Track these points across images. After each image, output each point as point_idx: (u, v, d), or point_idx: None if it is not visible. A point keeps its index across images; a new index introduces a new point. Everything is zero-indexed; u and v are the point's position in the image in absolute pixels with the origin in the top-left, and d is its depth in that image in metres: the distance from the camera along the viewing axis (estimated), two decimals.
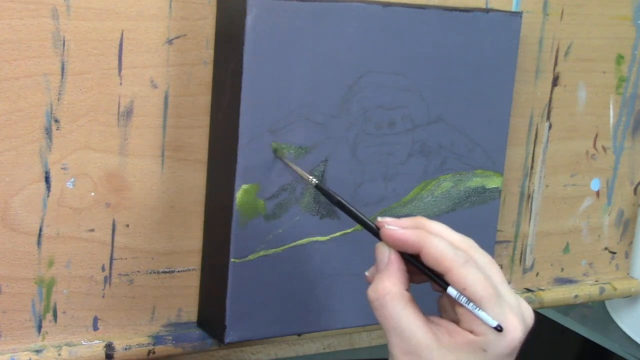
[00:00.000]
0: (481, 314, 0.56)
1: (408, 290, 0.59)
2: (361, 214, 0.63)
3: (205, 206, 0.72)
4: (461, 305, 0.57)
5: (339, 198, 0.65)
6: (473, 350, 0.57)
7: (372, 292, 0.59)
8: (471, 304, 0.57)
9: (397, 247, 0.59)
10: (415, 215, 0.77)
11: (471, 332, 0.57)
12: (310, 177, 0.68)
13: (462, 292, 0.57)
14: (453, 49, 0.76)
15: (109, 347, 0.70)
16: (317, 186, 0.67)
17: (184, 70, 0.70)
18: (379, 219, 0.61)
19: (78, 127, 0.67)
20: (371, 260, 0.76)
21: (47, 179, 0.66)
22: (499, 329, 0.56)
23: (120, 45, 0.67)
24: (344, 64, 0.71)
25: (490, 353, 0.57)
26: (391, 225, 0.60)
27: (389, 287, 0.58)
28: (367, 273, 0.62)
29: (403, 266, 0.59)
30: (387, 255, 0.60)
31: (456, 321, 0.58)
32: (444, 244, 0.58)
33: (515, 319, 0.57)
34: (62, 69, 0.65)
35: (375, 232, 0.61)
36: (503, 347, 0.57)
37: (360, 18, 0.71)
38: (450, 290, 0.57)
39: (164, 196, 0.71)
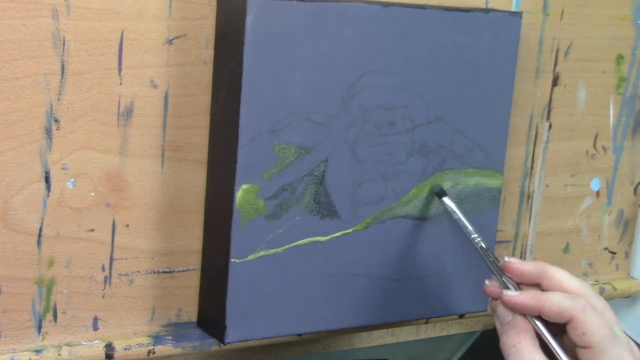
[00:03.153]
0: None
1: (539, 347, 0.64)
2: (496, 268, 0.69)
3: (205, 206, 0.72)
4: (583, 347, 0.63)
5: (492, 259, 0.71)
6: None
7: (506, 338, 0.64)
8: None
9: (517, 311, 0.65)
10: (416, 215, 0.77)
11: None
12: (475, 236, 0.73)
13: (581, 337, 0.62)
14: (453, 49, 0.76)
15: (109, 347, 0.70)
16: (481, 248, 0.72)
17: (184, 70, 0.70)
18: (506, 259, 0.68)
19: (78, 127, 0.67)
20: (371, 260, 0.76)
21: (47, 179, 0.67)
22: None
23: (120, 45, 0.67)
24: (344, 64, 0.71)
25: None
26: (510, 293, 0.65)
27: (523, 334, 0.64)
28: (487, 282, 0.68)
29: (526, 320, 0.65)
30: (510, 313, 0.66)
31: None
32: (561, 297, 0.64)
33: (629, 356, 0.62)
34: (62, 69, 0.65)
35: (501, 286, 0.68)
36: None
37: (360, 18, 0.71)
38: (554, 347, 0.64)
39: (164, 196, 0.71)
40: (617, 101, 0.92)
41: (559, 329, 0.65)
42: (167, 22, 0.68)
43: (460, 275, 0.81)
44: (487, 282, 0.68)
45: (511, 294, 0.65)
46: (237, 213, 0.69)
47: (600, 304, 0.65)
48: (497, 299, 0.67)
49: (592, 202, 0.93)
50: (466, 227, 0.74)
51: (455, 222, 0.76)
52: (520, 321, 0.65)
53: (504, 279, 0.68)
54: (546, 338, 0.64)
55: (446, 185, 0.78)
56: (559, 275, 0.66)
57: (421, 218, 0.78)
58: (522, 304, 0.65)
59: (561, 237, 0.92)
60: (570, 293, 0.64)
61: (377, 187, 0.75)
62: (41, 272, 0.68)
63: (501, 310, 0.66)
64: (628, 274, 0.98)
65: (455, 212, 0.76)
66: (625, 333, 0.65)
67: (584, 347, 0.63)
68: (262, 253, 0.71)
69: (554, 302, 0.63)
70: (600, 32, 0.89)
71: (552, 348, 0.64)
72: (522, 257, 0.91)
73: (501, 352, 0.65)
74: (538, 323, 0.65)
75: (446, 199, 0.77)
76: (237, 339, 0.71)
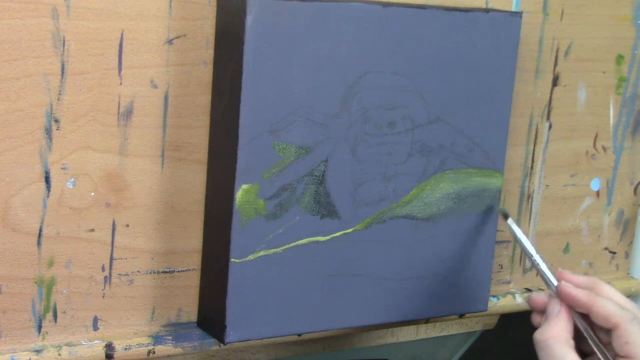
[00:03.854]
0: None
1: (573, 339, 0.67)
2: (547, 270, 0.72)
3: (205, 206, 0.72)
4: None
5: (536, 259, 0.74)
6: None
7: (539, 334, 0.67)
8: None
9: (568, 303, 0.68)
10: (416, 215, 0.77)
11: None
12: (534, 253, 0.75)
13: (623, 346, 0.64)
14: (453, 49, 0.76)
15: (109, 347, 0.70)
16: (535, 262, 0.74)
17: (184, 70, 0.70)
18: (560, 269, 0.71)
19: (78, 127, 0.67)
20: (371, 260, 0.76)
21: (47, 179, 0.66)
22: None
23: (120, 45, 0.67)
24: (344, 64, 0.71)
25: None
26: (568, 283, 0.69)
27: (558, 331, 0.66)
28: (533, 294, 0.72)
29: (571, 318, 0.68)
30: (558, 308, 0.68)
31: None
32: (612, 304, 0.66)
33: None
34: (62, 69, 0.65)
35: (553, 284, 0.70)
36: None
37: (360, 18, 0.71)
38: (598, 349, 0.67)
39: (164, 196, 0.71)
40: (617, 101, 0.92)
41: (600, 340, 0.67)
42: (167, 22, 0.68)
43: (460, 275, 0.81)
44: (534, 294, 0.72)
45: (568, 285, 0.68)
46: (237, 213, 0.69)
47: None
48: (539, 311, 0.71)
49: (592, 202, 0.93)
50: (525, 248, 0.76)
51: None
52: (564, 317, 0.67)
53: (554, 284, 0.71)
54: (589, 336, 0.67)
55: (446, 185, 0.78)
56: (609, 289, 0.69)
57: (421, 218, 0.78)
58: (576, 298, 0.67)
59: (561, 237, 0.92)
60: (620, 305, 0.67)
61: (377, 187, 0.75)
62: (41, 272, 0.68)
63: (551, 305, 0.69)
64: (628, 274, 0.98)
65: (516, 233, 0.78)
66: None
67: (624, 357, 0.65)
68: (262, 253, 0.71)
69: (605, 305, 0.66)
70: (600, 32, 0.89)
71: (593, 346, 0.66)
72: (522, 257, 0.91)
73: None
74: (583, 322, 0.67)
75: (510, 221, 0.79)
76: (237, 339, 0.71)
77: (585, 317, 0.68)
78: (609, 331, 0.67)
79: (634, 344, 0.65)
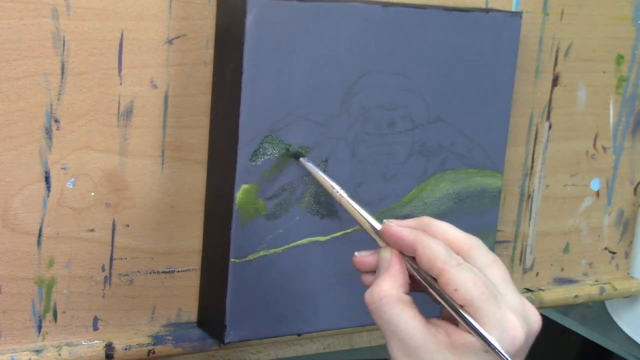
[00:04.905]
0: (467, 317, 0.55)
1: (408, 293, 0.58)
2: (366, 214, 0.63)
3: (205, 206, 0.72)
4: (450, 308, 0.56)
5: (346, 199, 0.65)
6: (474, 351, 0.56)
7: (368, 295, 0.58)
8: (461, 311, 0.55)
9: (394, 244, 0.59)
10: (416, 215, 0.77)
11: (470, 333, 0.56)
12: (335, 189, 0.66)
13: (453, 294, 0.56)
14: (453, 49, 0.76)
15: (109, 347, 0.70)
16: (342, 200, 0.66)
17: (184, 70, 0.70)
18: (385, 220, 0.60)
19: (78, 127, 0.67)
20: None
21: (47, 179, 0.66)
22: (480, 333, 0.55)
23: (120, 45, 0.67)
24: (344, 64, 0.71)
25: (492, 354, 0.55)
26: (392, 222, 0.59)
27: (387, 289, 0.57)
28: (356, 254, 0.61)
29: (403, 269, 0.59)
30: (388, 257, 0.59)
31: (456, 324, 0.57)
32: (437, 245, 0.57)
33: (515, 318, 0.56)
34: (62, 69, 0.65)
35: (376, 230, 0.61)
36: (505, 347, 0.55)
37: (360, 18, 0.71)
38: (437, 296, 0.57)
39: (164, 196, 0.71)
40: (617, 101, 0.92)
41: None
42: (167, 22, 0.68)
43: None
44: (356, 254, 0.61)
45: (391, 222, 0.59)
46: (237, 213, 0.69)
47: (488, 258, 0.58)
48: (368, 272, 0.61)
49: (592, 202, 0.93)
50: (326, 183, 0.67)
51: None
52: (396, 268, 0.58)
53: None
54: (426, 283, 0.58)
55: (446, 185, 0.78)
56: (443, 227, 0.59)
57: None
58: (400, 235, 0.58)
59: (561, 237, 0.92)
60: (454, 245, 0.58)
61: (377, 187, 0.75)
62: (41, 272, 0.68)
63: (380, 256, 0.60)
64: (628, 274, 0.98)
65: (312, 170, 0.69)
66: (520, 295, 0.58)
67: (461, 306, 0.56)
68: (262, 253, 0.71)
69: (430, 246, 0.57)
70: (600, 32, 0.89)
71: (433, 294, 0.57)
72: (522, 257, 0.91)
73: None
74: (414, 267, 0.58)
75: (303, 159, 0.70)
76: (237, 339, 0.71)
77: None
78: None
79: (465, 289, 0.55)
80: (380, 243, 0.61)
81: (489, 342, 0.55)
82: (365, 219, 0.62)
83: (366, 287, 0.60)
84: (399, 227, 0.59)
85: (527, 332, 0.57)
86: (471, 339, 0.56)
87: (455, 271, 0.56)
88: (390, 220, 0.60)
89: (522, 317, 0.56)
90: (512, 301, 0.57)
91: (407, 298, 0.58)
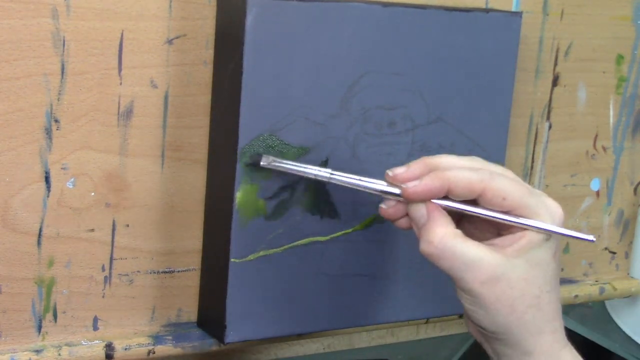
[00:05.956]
0: (528, 221, 0.60)
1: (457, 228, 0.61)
2: (374, 182, 0.63)
3: (205, 206, 0.72)
4: (504, 220, 0.60)
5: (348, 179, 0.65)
6: (537, 244, 0.60)
7: (425, 245, 0.60)
8: (520, 218, 0.60)
9: (426, 198, 0.60)
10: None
11: (527, 229, 0.60)
12: (320, 171, 0.66)
13: (502, 203, 0.59)
14: (453, 49, 0.76)
15: (109, 347, 0.70)
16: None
17: (184, 70, 0.70)
18: (389, 173, 0.61)
19: (78, 127, 0.67)
20: (371, 260, 0.76)
21: (47, 179, 0.66)
22: (538, 227, 0.60)
23: (120, 45, 0.67)
24: (344, 64, 0.71)
25: (553, 237, 0.61)
26: (410, 183, 0.60)
27: (442, 231, 0.59)
28: (382, 205, 0.63)
29: (443, 210, 0.61)
30: (423, 210, 0.61)
31: (499, 236, 0.61)
32: (463, 172, 0.60)
33: (549, 199, 0.61)
34: (62, 69, 0.65)
35: (397, 194, 0.61)
36: (558, 224, 0.61)
37: (360, 18, 0.71)
38: (488, 213, 0.60)
39: (164, 196, 0.71)
40: (617, 101, 0.92)
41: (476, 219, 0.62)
42: (167, 22, 0.68)
43: None
44: (383, 205, 0.62)
45: (412, 184, 0.60)
46: (237, 213, 0.69)
47: (499, 167, 0.62)
48: (399, 217, 0.62)
49: (592, 202, 0.93)
50: (306, 171, 0.66)
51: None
52: (436, 214, 0.60)
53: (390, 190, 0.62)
54: (472, 210, 0.60)
55: None
56: (448, 159, 0.61)
57: None
58: (428, 188, 0.60)
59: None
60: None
61: None
62: (41, 272, 0.68)
63: (413, 211, 0.61)
64: (628, 274, 0.98)
65: (286, 164, 0.68)
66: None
67: (511, 213, 0.60)
68: (262, 253, 0.71)
69: (460, 176, 0.59)
70: (600, 32, 0.89)
71: (484, 214, 0.60)
72: None
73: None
74: (455, 203, 0.60)
75: (263, 162, 0.68)
76: (237, 339, 0.71)
77: (446, 198, 0.61)
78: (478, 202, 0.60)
79: (511, 195, 0.59)
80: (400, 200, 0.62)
81: (550, 230, 0.60)
82: (377, 188, 0.63)
83: (402, 229, 0.62)
84: (422, 183, 0.60)
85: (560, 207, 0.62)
86: (528, 236, 0.60)
87: (495, 182, 0.59)
88: (395, 172, 0.61)
89: (551, 199, 0.62)
90: (538, 190, 0.62)
91: (461, 233, 0.60)
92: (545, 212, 0.60)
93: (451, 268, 0.59)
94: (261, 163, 0.68)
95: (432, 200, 0.61)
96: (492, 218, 0.60)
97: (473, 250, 0.59)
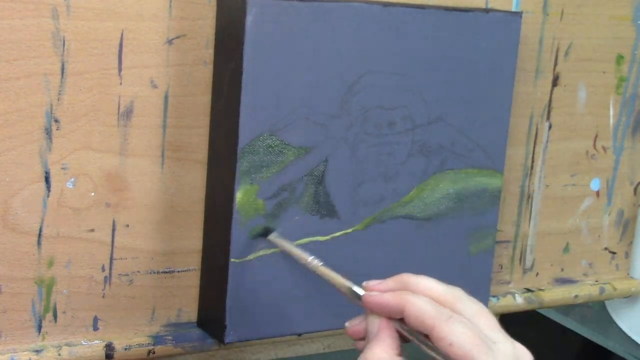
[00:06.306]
0: None
1: (400, 355, 0.58)
2: (347, 280, 0.63)
3: (205, 206, 0.72)
4: None
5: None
6: None
7: (366, 355, 0.57)
8: None
9: (380, 312, 0.59)
10: (416, 215, 0.77)
11: None
12: (309, 259, 0.67)
13: (448, 348, 0.55)
14: (453, 49, 0.76)
15: (109, 347, 0.70)
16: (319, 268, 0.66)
17: (184, 70, 0.70)
18: (364, 284, 0.61)
19: (78, 127, 0.67)
20: (371, 260, 0.76)
21: (47, 179, 0.66)
22: None
23: (120, 45, 0.67)
24: (344, 63, 0.71)
25: None
26: (372, 292, 0.59)
27: (379, 354, 0.57)
28: (347, 324, 0.62)
29: (393, 332, 0.58)
30: (377, 324, 0.59)
31: None
32: (424, 302, 0.57)
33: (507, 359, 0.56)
34: (62, 69, 0.65)
35: (359, 296, 0.61)
36: None
37: (360, 18, 0.71)
38: (434, 353, 0.56)
39: (164, 196, 0.71)
40: (617, 101, 0.92)
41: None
42: (167, 22, 0.68)
43: (460, 275, 0.81)
44: (347, 323, 0.62)
45: (373, 294, 0.59)
46: (237, 213, 0.69)
47: (474, 307, 0.58)
48: (361, 338, 0.61)
49: (592, 202, 0.93)
50: (300, 256, 0.68)
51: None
52: (385, 333, 0.58)
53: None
54: (420, 342, 0.57)
55: (446, 185, 0.78)
56: (424, 282, 0.59)
57: (421, 218, 0.78)
58: (384, 303, 0.58)
59: (561, 237, 0.92)
60: (438, 299, 0.58)
61: (377, 187, 0.75)
62: (41, 272, 0.68)
63: (369, 323, 0.59)
64: (628, 274, 0.98)
65: (284, 244, 0.70)
66: (510, 338, 0.57)
67: None
68: (262, 253, 0.71)
69: (416, 304, 0.57)
70: (600, 32, 0.89)
71: (429, 352, 0.57)
72: (522, 257, 0.91)
73: None
74: (407, 328, 0.58)
75: (272, 237, 0.71)
76: (237, 339, 0.71)
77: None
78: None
79: (460, 343, 0.55)
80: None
81: None
82: (346, 285, 0.62)
83: (359, 353, 0.60)
84: (381, 295, 0.59)
85: None
86: None
87: (447, 325, 0.56)
88: (369, 283, 0.60)
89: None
90: (505, 348, 0.57)
91: None
92: None
93: None
94: (269, 236, 0.71)
95: (390, 320, 0.59)
96: (435, 356, 0.57)
97: None
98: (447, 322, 0.56)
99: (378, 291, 0.59)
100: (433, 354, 0.56)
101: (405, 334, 0.58)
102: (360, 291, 0.61)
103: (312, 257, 0.67)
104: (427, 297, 0.58)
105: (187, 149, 0.71)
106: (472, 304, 0.58)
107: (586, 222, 0.93)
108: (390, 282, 0.60)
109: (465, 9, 0.77)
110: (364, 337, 0.61)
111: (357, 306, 0.76)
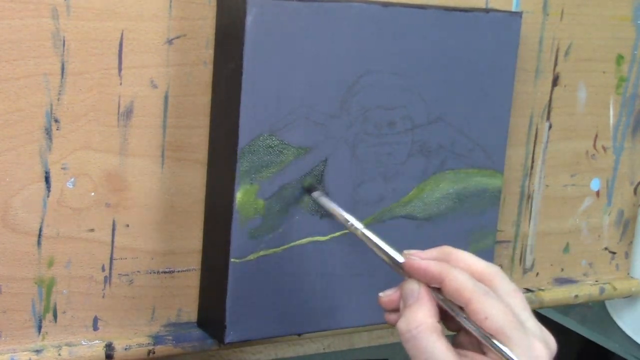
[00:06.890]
0: (501, 347, 0.56)
1: (439, 322, 0.59)
2: (387, 247, 0.63)
3: (205, 206, 0.72)
4: (482, 338, 0.57)
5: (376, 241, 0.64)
6: None
7: (403, 323, 0.58)
8: (494, 340, 0.56)
9: (420, 278, 0.60)
10: (416, 215, 0.77)
11: None
12: (350, 221, 0.67)
13: (483, 322, 0.57)
14: (453, 48, 0.76)
15: (109, 347, 0.70)
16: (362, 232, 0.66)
17: (184, 70, 0.70)
18: (405, 252, 0.62)
19: (78, 127, 0.67)
20: (370, 260, 0.76)
21: (47, 179, 0.67)
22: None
23: (120, 45, 0.67)
24: (344, 63, 0.71)
25: None
26: (415, 257, 0.60)
27: (422, 318, 0.58)
28: (381, 294, 0.62)
29: (434, 300, 0.59)
30: (417, 289, 0.60)
31: (482, 353, 0.58)
32: (464, 276, 0.59)
33: (540, 344, 0.57)
34: (62, 69, 0.65)
35: (399, 263, 0.61)
36: None
37: (360, 18, 0.71)
38: (469, 325, 0.58)
39: (164, 196, 0.71)
40: (617, 101, 0.92)
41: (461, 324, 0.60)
42: (167, 22, 0.68)
43: None
44: (381, 294, 0.62)
45: (416, 258, 0.60)
46: (237, 213, 0.69)
47: (509, 287, 0.60)
48: (393, 310, 0.62)
49: (592, 202, 0.93)
50: (342, 216, 0.68)
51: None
52: (426, 298, 0.59)
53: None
54: (455, 314, 0.59)
55: (446, 185, 0.78)
56: (464, 257, 0.61)
57: (421, 218, 0.78)
58: (428, 269, 0.59)
59: (561, 237, 0.92)
60: (476, 275, 0.59)
61: (377, 187, 0.75)
62: (41, 272, 0.68)
63: (407, 288, 0.60)
64: (628, 274, 0.98)
65: (327, 204, 0.70)
66: (537, 321, 0.59)
67: (492, 335, 0.57)
68: (262, 253, 0.71)
69: (457, 277, 0.58)
70: (600, 32, 0.89)
71: (464, 324, 0.58)
72: (522, 257, 0.91)
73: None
74: (446, 299, 0.59)
75: (316, 195, 0.71)
76: (237, 339, 0.71)
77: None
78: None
79: (495, 318, 0.56)
80: (404, 275, 0.61)
81: None
82: (386, 252, 0.63)
83: (390, 324, 0.61)
84: (424, 261, 0.60)
85: (550, 356, 0.59)
86: None
87: (484, 300, 0.57)
88: (411, 251, 0.62)
89: (545, 343, 0.58)
90: (534, 328, 0.58)
91: (441, 328, 0.59)
92: (525, 352, 0.57)
93: (414, 356, 0.58)
94: (313, 193, 0.71)
95: (430, 287, 0.60)
96: (468, 328, 0.58)
97: (442, 353, 0.57)
98: (484, 296, 0.57)
99: (418, 257, 0.61)
100: (467, 325, 0.58)
101: (441, 303, 0.59)
102: (400, 258, 0.61)
103: (354, 219, 0.67)
104: (465, 270, 0.59)
105: (187, 149, 0.71)
106: (508, 283, 0.60)
107: (586, 222, 0.93)
108: (433, 252, 0.62)
109: (465, 9, 0.77)
110: (395, 309, 0.61)
111: (360, 306, 0.76)
